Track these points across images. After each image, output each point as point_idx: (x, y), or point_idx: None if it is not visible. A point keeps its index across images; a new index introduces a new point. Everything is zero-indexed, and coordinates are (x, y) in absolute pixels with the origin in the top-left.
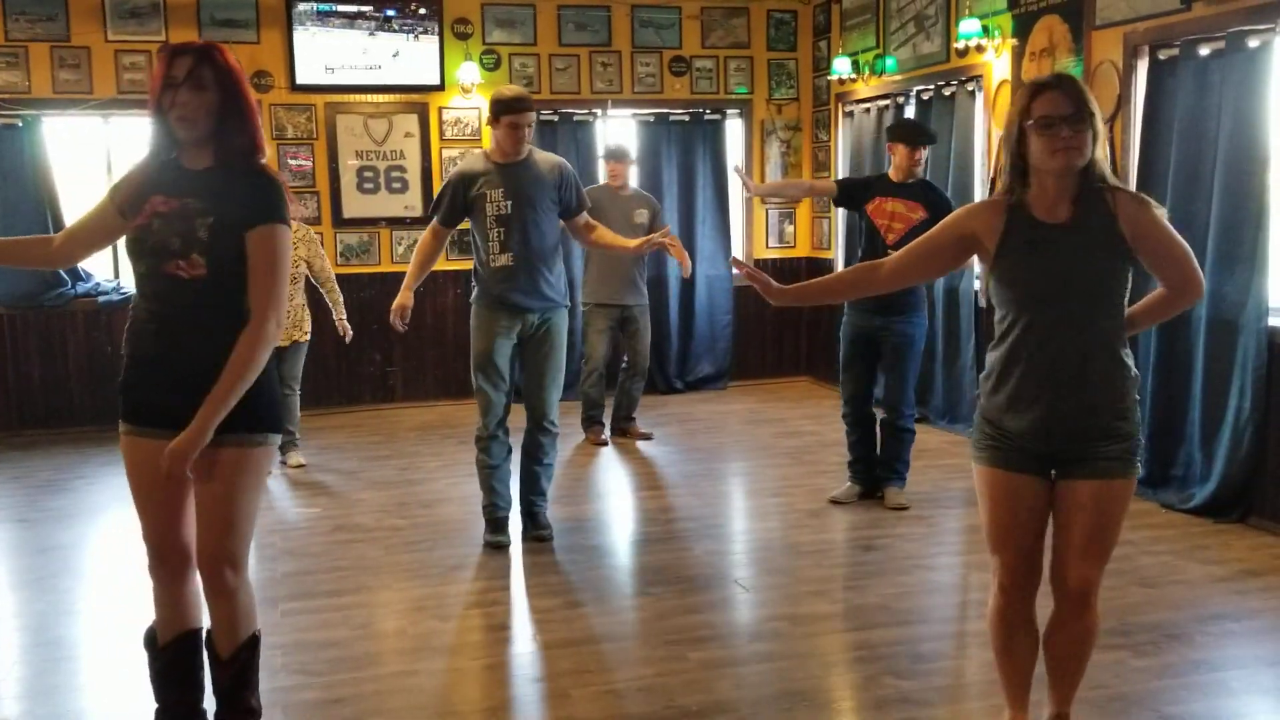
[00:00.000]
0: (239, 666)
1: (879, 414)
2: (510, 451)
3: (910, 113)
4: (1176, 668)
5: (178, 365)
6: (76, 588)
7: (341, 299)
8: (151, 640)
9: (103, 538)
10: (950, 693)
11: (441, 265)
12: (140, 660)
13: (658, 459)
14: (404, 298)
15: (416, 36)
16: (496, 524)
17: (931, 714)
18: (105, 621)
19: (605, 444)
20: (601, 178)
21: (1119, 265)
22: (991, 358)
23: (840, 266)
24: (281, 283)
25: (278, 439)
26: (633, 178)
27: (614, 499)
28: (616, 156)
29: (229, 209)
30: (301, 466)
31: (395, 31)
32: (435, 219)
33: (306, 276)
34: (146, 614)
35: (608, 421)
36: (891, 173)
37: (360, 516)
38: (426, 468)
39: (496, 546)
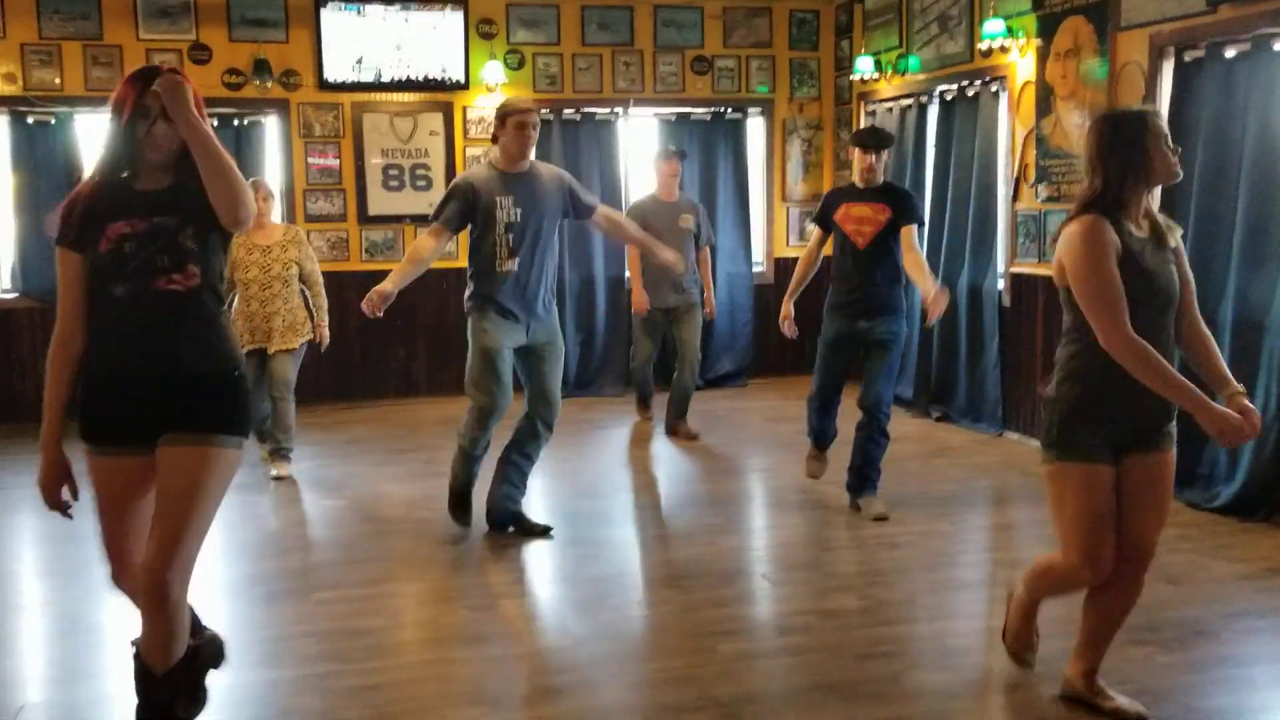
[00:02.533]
0: (173, 683)
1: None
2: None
3: (933, 113)
4: (1203, 663)
5: (169, 374)
6: (108, 576)
7: (326, 305)
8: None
9: None
10: (979, 686)
11: (463, 262)
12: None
13: (681, 455)
14: (388, 286)
15: (436, 27)
16: (455, 502)
17: (960, 706)
18: (136, 610)
19: (650, 420)
20: (625, 178)
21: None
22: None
23: None
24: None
25: (243, 443)
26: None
27: (639, 494)
28: (682, 155)
29: (203, 214)
30: (283, 479)
31: (418, 27)
32: (438, 222)
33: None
34: None
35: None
36: (855, 179)
37: (388, 509)
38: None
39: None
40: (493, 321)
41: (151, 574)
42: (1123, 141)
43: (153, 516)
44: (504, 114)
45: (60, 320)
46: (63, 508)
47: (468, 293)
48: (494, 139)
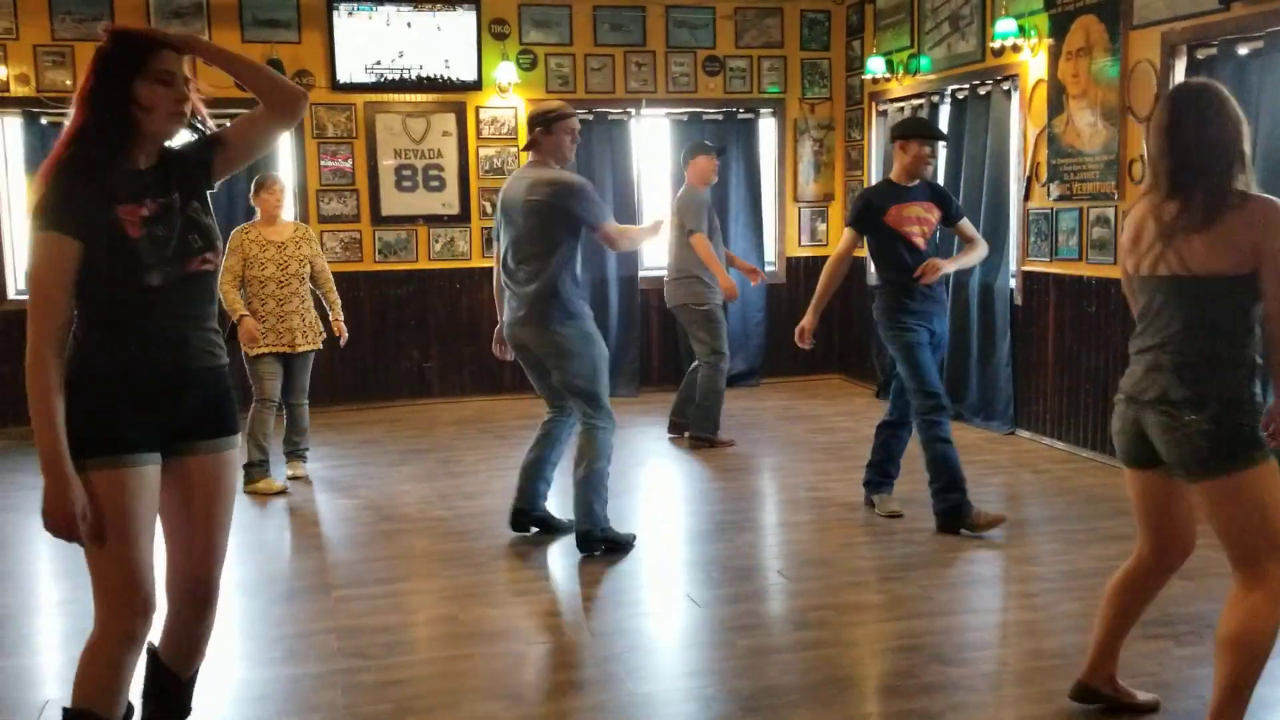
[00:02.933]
0: (193, 683)
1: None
2: None
3: (945, 112)
4: None
5: (189, 369)
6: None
7: (339, 300)
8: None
9: None
10: (995, 679)
11: (477, 262)
12: None
13: (694, 454)
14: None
15: (448, 28)
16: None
17: (978, 699)
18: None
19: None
20: (637, 178)
21: None
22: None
23: (873, 267)
24: None
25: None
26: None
27: (652, 492)
28: (722, 151)
29: (198, 186)
30: (299, 479)
31: (430, 28)
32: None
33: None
34: None
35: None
36: (896, 176)
37: (404, 508)
38: (466, 460)
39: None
40: (591, 322)
41: (200, 579)
42: (1234, 116)
43: (183, 525)
44: (553, 119)
45: (48, 319)
46: (80, 535)
47: (564, 307)
48: (531, 144)
